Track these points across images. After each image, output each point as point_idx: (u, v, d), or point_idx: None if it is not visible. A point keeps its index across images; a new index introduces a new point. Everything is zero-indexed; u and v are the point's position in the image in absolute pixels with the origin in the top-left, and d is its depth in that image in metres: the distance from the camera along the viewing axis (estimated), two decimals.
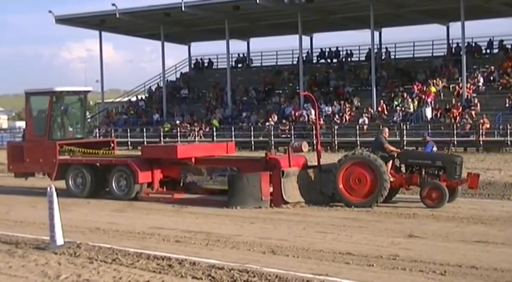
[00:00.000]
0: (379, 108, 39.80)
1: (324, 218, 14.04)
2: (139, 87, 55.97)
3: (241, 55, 53.65)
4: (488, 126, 34.49)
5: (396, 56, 47.85)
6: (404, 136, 34.90)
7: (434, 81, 40.52)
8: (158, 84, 53.64)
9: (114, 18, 45.82)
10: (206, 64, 55.06)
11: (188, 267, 9.49)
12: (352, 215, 14.47)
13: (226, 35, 45.82)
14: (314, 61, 50.56)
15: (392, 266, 9.45)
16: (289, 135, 38.75)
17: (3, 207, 16.85)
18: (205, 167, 17.52)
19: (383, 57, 47.33)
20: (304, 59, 47.27)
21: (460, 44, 41.80)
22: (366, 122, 38.59)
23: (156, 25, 47.61)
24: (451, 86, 40.14)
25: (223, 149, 18.76)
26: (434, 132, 35.16)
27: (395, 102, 39.87)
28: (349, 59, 49.14)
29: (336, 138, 37.02)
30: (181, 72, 55.39)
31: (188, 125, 44.07)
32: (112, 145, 20.81)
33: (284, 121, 41.12)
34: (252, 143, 39.17)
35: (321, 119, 37.98)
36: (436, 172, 15.59)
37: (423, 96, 39.10)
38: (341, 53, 49.20)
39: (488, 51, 43.97)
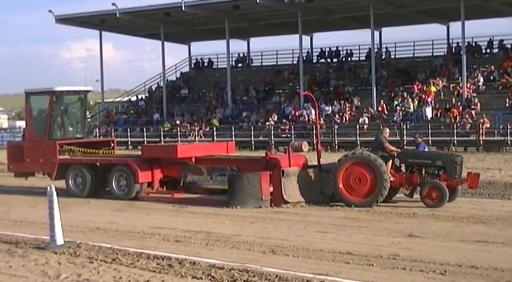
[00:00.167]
0: (379, 108, 39.80)
1: (324, 218, 14.04)
2: (140, 87, 56.05)
3: (241, 55, 53.65)
4: (488, 125, 34.49)
5: (396, 56, 47.84)
6: (405, 136, 34.87)
7: (435, 80, 40.51)
8: (158, 84, 53.65)
9: (114, 17, 45.81)
10: (206, 64, 55.06)
11: (188, 267, 9.49)
12: (352, 214, 14.48)
13: (226, 34, 45.81)
14: (314, 61, 50.55)
15: (393, 265, 9.45)
16: (289, 135, 38.75)
17: (4, 206, 16.85)
18: (205, 166, 17.53)
19: (383, 57, 47.32)
20: (304, 58, 47.27)
21: (460, 44, 41.78)
22: (366, 121, 38.59)
23: (156, 25, 47.60)
24: (451, 86, 40.14)
25: (223, 149, 18.76)
26: (434, 131, 35.23)
27: (396, 102, 39.87)
28: (349, 59, 49.13)
29: (336, 137, 37.02)
30: (181, 72, 55.43)
31: (188, 125, 44.07)
32: (112, 145, 20.81)
33: (284, 121, 41.12)
34: (252, 142, 39.18)
35: (321, 119, 37.97)
36: (436, 172, 15.59)
37: (423, 96, 39.09)
38: (341, 52, 49.19)
39: (488, 50, 43.97)
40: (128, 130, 45.83)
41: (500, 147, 33.26)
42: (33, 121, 20.49)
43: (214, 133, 41.44)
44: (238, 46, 54.09)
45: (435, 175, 15.55)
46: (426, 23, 48.20)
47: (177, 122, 45.05)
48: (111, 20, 46.93)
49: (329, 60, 49.75)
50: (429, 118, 37.53)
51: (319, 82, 46.03)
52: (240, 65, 53.39)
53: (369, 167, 15.40)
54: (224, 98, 47.54)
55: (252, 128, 40.59)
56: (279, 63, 51.98)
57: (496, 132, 34.59)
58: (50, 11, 46.91)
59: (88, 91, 21.27)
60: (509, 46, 42.90)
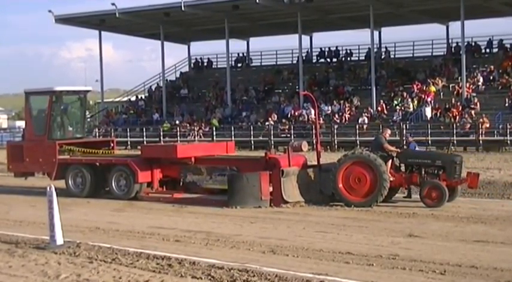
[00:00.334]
0: (379, 108, 39.81)
1: (324, 218, 14.04)
2: (139, 87, 56.04)
3: (240, 54, 53.64)
4: (488, 125, 34.51)
5: (396, 56, 47.84)
6: (404, 136, 34.86)
7: (434, 80, 40.52)
8: (158, 84, 53.65)
9: (113, 17, 45.80)
10: (206, 64, 55.05)
11: (188, 266, 9.49)
12: (352, 214, 14.48)
13: (226, 34, 45.81)
14: (314, 61, 50.55)
15: (392, 265, 9.45)
16: (288, 135, 38.76)
17: (3, 206, 16.86)
18: (205, 166, 17.52)
19: (383, 57, 47.30)
20: (304, 58, 47.27)
21: (459, 44, 41.79)
22: (366, 121, 38.60)
23: (155, 25, 47.61)
24: (450, 86, 40.15)
25: (223, 149, 18.75)
26: (434, 131, 35.25)
27: (395, 102, 39.88)
28: (348, 59, 49.12)
29: (335, 137, 37.04)
30: (181, 72, 55.41)
31: (188, 125, 44.07)
32: (112, 145, 20.80)
33: (284, 121, 41.12)
34: (252, 142, 39.19)
35: (321, 119, 37.98)
36: (435, 171, 15.58)
37: (423, 96, 39.10)
38: (341, 52, 49.18)
39: (487, 50, 43.97)
40: (128, 130, 45.83)
41: (499, 147, 33.28)
42: (33, 121, 20.48)
43: (214, 133, 41.44)
44: (237, 46, 54.19)
45: (435, 175, 15.55)
46: (426, 23, 48.21)
47: (177, 121, 45.05)
48: (110, 20, 46.92)
49: (328, 60, 49.74)
50: (429, 118, 37.54)
51: (319, 82, 46.03)
52: (239, 64, 53.37)
53: (369, 166, 15.40)
54: (224, 98, 47.55)
55: (252, 128, 40.59)
56: (278, 63, 51.98)
57: (495, 132, 34.62)
58: (49, 11, 46.97)
59: (88, 91, 21.27)
60: (508, 46, 42.90)
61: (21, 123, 68.53)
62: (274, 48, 52.80)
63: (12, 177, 21.33)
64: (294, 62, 49.23)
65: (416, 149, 18.83)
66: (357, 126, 37.39)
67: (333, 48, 49.34)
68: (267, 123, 40.97)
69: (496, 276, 8.82)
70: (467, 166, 20.70)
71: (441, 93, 39.82)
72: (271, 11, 43.75)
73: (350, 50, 49.26)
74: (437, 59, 44.59)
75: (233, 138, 36.70)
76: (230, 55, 49.10)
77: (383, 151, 15.84)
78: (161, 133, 42.90)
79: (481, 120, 34.46)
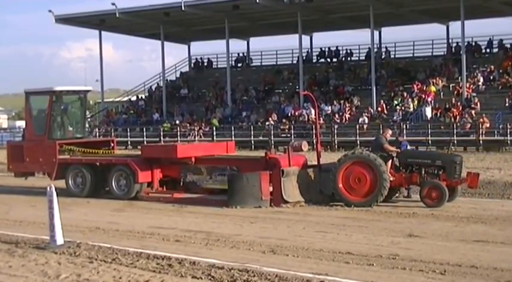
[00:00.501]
0: (379, 108, 39.81)
1: (324, 218, 14.05)
2: (139, 87, 56.05)
3: (241, 54, 53.64)
4: (488, 125, 34.51)
5: (396, 56, 47.85)
6: (404, 135, 34.86)
7: (434, 80, 40.52)
8: (158, 84, 53.67)
9: (114, 17, 45.81)
10: (206, 63, 55.06)
11: (188, 266, 9.49)
12: (352, 214, 14.47)
13: (226, 34, 45.82)
14: (314, 60, 50.55)
15: (392, 265, 9.45)
16: (289, 135, 38.77)
17: (3, 206, 16.86)
18: (205, 166, 17.52)
19: (383, 57, 47.32)
20: (304, 58, 47.27)
21: (459, 44, 41.80)
22: (366, 121, 38.60)
23: (156, 25, 47.61)
24: (450, 86, 40.15)
25: (223, 149, 18.76)
26: (434, 131, 35.25)
27: (395, 102, 39.88)
28: (348, 59, 49.13)
29: (335, 137, 37.05)
30: (181, 72, 55.43)
31: (188, 125, 44.08)
32: (112, 145, 20.80)
33: (284, 120, 41.13)
34: (252, 142, 39.21)
35: (321, 119, 37.99)
36: (435, 171, 15.58)
37: (423, 96, 39.10)
38: (341, 52, 49.19)
39: (488, 50, 43.97)
40: (128, 130, 45.85)
41: (500, 147, 33.29)
42: (33, 121, 20.48)
43: (214, 133, 41.47)
44: (237, 46, 54.20)
45: (435, 175, 15.54)
46: (426, 23, 48.22)
47: (177, 121, 45.07)
48: (110, 20, 46.92)
49: (329, 60, 49.75)
50: (429, 118, 37.54)
51: (319, 82, 46.04)
52: (239, 64, 53.37)
53: (369, 166, 15.40)
54: (224, 98, 47.55)
55: (252, 128, 40.61)
56: (278, 63, 51.99)
57: (495, 131, 34.63)
58: (49, 11, 46.99)
59: (88, 91, 21.27)
60: (508, 46, 42.90)
61: (21, 123, 68.50)
62: (275, 48, 52.95)
63: (13, 177, 21.33)
64: (294, 62, 49.23)
65: (408, 148, 18.82)
66: (357, 126, 37.40)
67: (333, 48, 49.35)
68: (267, 123, 40.98)
69: (496, 276, 8.82)
70: (467, 166, 20.70)
71: (441, 93, 39.82)
72: (271, 11, 43.75)
73: (350, 49, 49.29)
74: (438, 59, 44.59)
75: (233, 138, 36.72)
76: (230, 55, 49.13)
77: (383, 151, 15.83)
78: (161, 133, 42.91)
79: (481, 120, 34.46)
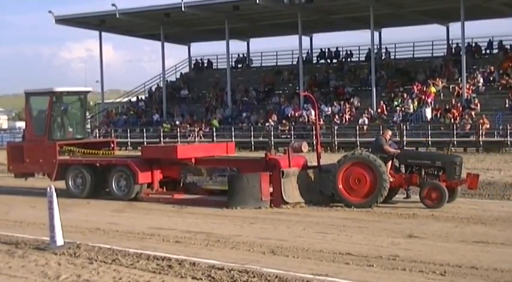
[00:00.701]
0: (379, 109, 39.81)
1: (324, 218, 14.04)
2: (139, 88, 56.07)
3: (241, 55, 53.68)
4: (488, 126, 34.52)
5: (396, 56, 47.87)
6: (404, 136, 34.94)
7: (434, 81, 40.54)
8: (158, 85, 53.69)
9: (114, 18, 45.83)
10: (206, 64, 55.08)
11: (188, 267, 9.49)
12: (352, 215, 14.47)
13: (226, 35, 45.84)
14: (314, 61, 50.57)
15: (392, 266, 9.45)
16: (289, 136, 38.78)
17: (3, 207, 16.85)
18: (205, 167, 17.51)
19: (383, 58, 47.34)
20: (304, 59, 47.28)
21: (459, 44, 41.82)
22: (366, 122, 38.61)
23: (156, 25, 47.63)
24: (450, 86, 40.15)
25: (223, 149, 18.75)
26: (434, 132, 35.26)
27: (395, 103, 39.89)
28: (349, 59, 49.16)
29: (335, 138, 37.07)
30: (181, 73, 55.44)
31: (188, 125, 44.09)
32: (112, 145, 20.80)
33: (284, 121, 41.13)
34: (252, 143, 39.21)
35: (321, 119, 38.00)
36: (435, 172, 15.58)
37: (423, 97, 39.11)
38: (341, 53, 49.22)
39: (488, 51, 43.99)
40: (128, 131, 45.88)
41: (500, 148, 33.31)
42: (33, 121, 20.47)
43: (214, 134, 41.49)
44: (238, 47, 54.24)
45: (435, 176, 15.53)
46: (426, 24, 48.24)
47: (177, 122, 45.08)
48: (111, 20, 46.95)
49: (329, 60, 49.76)
50: (429, 119, 37.56)
51: (319, 83, 46.05)
52: (239, 65, 53.41)
53: (368, 167, 15.39)
54: (224, 99, 47.56)
55: (252, 129, 40.62)
56: (278, 63, 52.01)
57: (495, 132, 34.64)
58: (50, 12, 47.03)
59: (88, 92, 21.26)
60: (508, 47, 42.94)
61: (21, 124, 68.58)
62: (275, 48, 52.95)
63: (12, 177, 21.32)
64: (294, 62, 49.25)
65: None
66: (357, 127, 37.40)
67: (333, 49, 49.39)
68: (267, 124, 40.99)
69: (496, 277, 8.82)
70: (467, 167, 20.71)
71: (441, 94, 39.83)
72: (271, 12, 43.77)
73: (350, 50, 49.33)
74: (438, 59, 44.61)
75: (233, 139, 36.76)
76: (230, 56, 49.14)
77: (383, 152, 15.83)
78: (161, 134, 42.92)
79: (481, 121, 34.47)
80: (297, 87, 44.70)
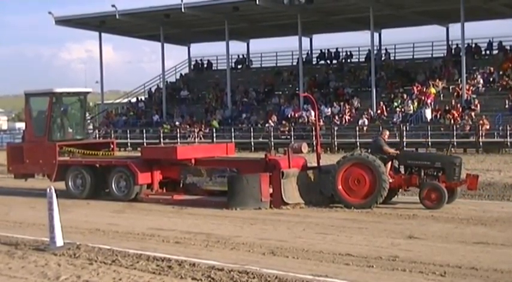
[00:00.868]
0: (379, 110, 39.80)
1: (324, 219, 14.04)
2: (139, 88, 56.04)
3: (241, 56, 53.65)
4: (488, 127, 34.51)
5: (396, 57, 47.84)
6: (404, 137, 34.94)
7: (434, 82, 40.53)
8: (158, 85, 53.68)
9: (113, 19, 45.83)
10: (206, 65, 55.06)
11: (188, 268, 9.49)
12: (352, 216, 14.48)
13: (226, 36, 45.84)
14: (314, 62, 50.54)
15: (392, 267, 9.45)
16: (289, 136, 38.75)
17: (3, 208, 16.85)
18: (205, 168, 17.51)
19: (383, 58, 47.32)
20: (304, 60, 47.27)
21: (459, 45, 41.83)
22: (366, 123, 38.60)
23: (156, 26, 47.62)
24: (450, 87, 40.15)
25: (223, 150, 18.75)
26: (434, 133, 35.25)
27: (395, 103, 39.89)
28: (348, 60, 49.15)
29: (335, 139, 37.06)
30: (181, 73, 55.41)
31: (188, 126, 44.08)
32: (112, 146, 20.80)
33: (284, 122, 41.11)
34: (252, 144, 39.19)
35: (321, 120, 37.98)
36: (435, 173, 15.58)
37: (423, 97, 39.10)
38: (341, 54, 49.20)
39: (487, 52, 44.00)
40: (128, 131, 45.85)
41: (499, 149, 33.30)
42: (33, 122, 20.47)
43: (214, 134, 41.48)
44: (237, 47, 54.25)
45: (434, 176, 15.54)
46: (426, 25, 48.21)
47: (177, 123, 45.07)
48: (110, 21, 46.94)
49: (329, 61, 49.74)
50: (429, 119, 37.54)
51: (319, 83, 46.04)
52: (239, 66, 53.40)
53: (368, 168, 15.39)
54: (224, 99, 47.56)
55: (252, 129, 40.59)
56: (278, 64, 51.99)
57: (495, 133, 34.63)
58: (49, 13, 46.99)
59: (88, 92, 21.26)
60: (508, 47, 42.93)
61: (21, 125, 68.61)
62: (274, 49, 52.90)
63: (12, 178, 21.31)
64: (294, 63, 49.24)
65: None
66: (357, 128, 37.39)
67: (333, 50, 49.37)
68: (267, 124, 40.98)
69: (496, 277, 8.82)
70: (467, 168, 20.70)
71: (441, 95, 39.82)
72: (271, 13, 43.77)
73: (350, 51, 49.30)
74: (437, 60, 44.60)
75: (233, 140, 36.73)
76: (230, 56, 49.11)
77: (383, 153, 15.83)
78: (161, 134, 42.91)
79: (481, 121, 34.45)
80: (297, 88, 44.69)
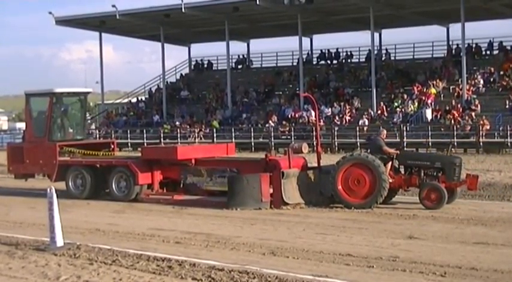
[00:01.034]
0: (379, 110, 39.80)
1: (324, 219, 14.04)
2: (140, 89, 56.04)
3: (241, 56, 53.65)
4: (488, 127, 34.49)
5: (396, 57, 47.83)
6: (404, 137, 34.93)
7: (434, 82, 40.52)
8: (158, 86, 53.68)
9: (114, 19, 45.82)
10: (206, 65, 55.07)
11: (188, 268, 9.50)
12: (352, 216, 14.48)
13: (226, 36, 45.84)
14: (314, 62, 50.54)
15: (392, 267, 9.45)
16: (289, 137, 38.75)
17: (3, 208, 16.86)
18: (205, 168, 17.52)
19: (383, 59, 47.32)
20: (304, 60, 47.26)
21: (460, 45, 41.82)
22: (366, 123, 38.59)
23: (156, 26, 47.62)
24: (451, 87, 40.13)
25: (223, 150, 18.76)
26: (434, 133, 35.23)
27: (395, 104, 39.88)
28: (349, 60, 49.13)
29: (336, 139, 37.05)
30: (181, 74, 55.42)
31: (188, 126, 44.08)
32: (112, 146, 20.80)
33: (284, 122, 41.11)
34: (252, 144, 39.18)
35: (321, 120, 37.98)
36: (435, 173, 15.58)
37: (423, 98, 39.10)
38: (341, 54, 49.19)
39: (488, 52, 43.99)
40: (128, 132, 45.85)
41: (500, 149, 33.29)
42: (33, 122, 20.48)
43: (214, 134, 41.47)
44: (238, 47, 54.20)
45: (434, 177, 15.54)
46: (426, 25, 48.21)
47: (177, 123, 45.08)
48: (111, 21, 46.94)
49: (329, 61, 49.73)
50: (429, 120, 37.53)
51: (319, 83, 46.04)
52: (239, 66, 53.41)
53: (367, 168, 15.40)
54: (224, 100, 47.56)
55: (252, 130, 40.59)
56: (278, 64, 51.98)
57: (495, 133, 34.61)
58: (50, 13, 46.98)
59: (88, 92, 21.26)
60: (509, 48, 42.92)
61: (21, 125, 68.60)
62: (275, 49, 52.89)
63: (12, 178, 21.32)
64: (294, 63, 49.24)
65: None
66: (357, 128, 37.38)
67: (333, 50, 49.36)
68: (267, 124, 40.96)
69: (496, 278, 8.83)
70: (467, 168, 20.72)
71: (441, 95, 39.81)
72: (271, 13, 43.77)
73: (350, 51, 49.29)
74: (438, 60, 44.58)
75: (233, 140, 36.71)
76: (230, 57, 49.12)
77: (383, 153, 15.83)
78: (161, 135, 42.91)
79: (481, 122, 34.44)
80: (297, 88, 44.68)
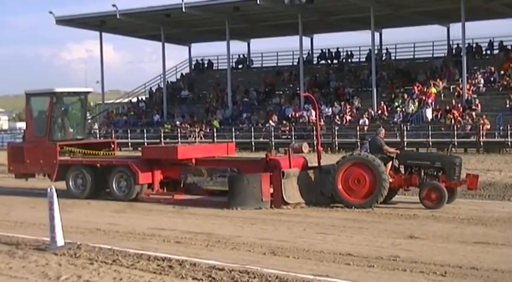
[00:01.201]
0: (380, 109, 39.80)
1: (324, 219, 14.04)
2: (140, 88, 56.05)
3: (241, 56, 53.66)
4: (488, 127, 34.50)
5: (396, 57, 47.85)
6: (405, 137, 34.93)
7: (435, 82, 40.52)
8: (159, 85, 53.68)
9: (114, 19, 45.84)
10: (206, 65, 55.07)
11: (188, 268, 9.50)
12: (353, 215, 14.48)
13: (226, 35, 45.84)
14: (314, 62, 50.56)
15: (393, 267, 9.45)
16: (289, 136, 38.76)
17: (4, 208, 16.86)
18: (205, 168, 17.52)
19: (383, 58, 47.34)
20: (305, 59, 47.27)
21: (460, 45, 41.82)
22: (366, 123, 38.59)
23: (156, 26, 47.63)
24: (451, 87, 40.14)
25: (223, 150, 18.76)
26: (434, 133, 35.23)
27: (396, 103, 39.88)
28: (349, 60, 49.13)
29: (336, 139, 37.05)
30: (181, 73, 55.43)
31: (188, 126, 44.09)
32: (112, 146, 20.80)
33: (284, 122, 41.12)
34: (253, 144, 39.18)
35: (321, 120, 37.96)
36: (435, 173, 15.58)
37: (423, 97, 39.10)
38: (341, 53, 49.20)
39: (488, 52, 43.99)
40: (128, 131, 45.86)
41: (500, 149, 33.28)
42: (34, 122, 20.47)
43: (215, 134, 41.47)
44: (238, 47, 54.22)
45: (434, 176, 15.54)
46: (426, 24, 48.19)
47: (177, 123, 45.08)
48: (111, 21, 46.95)
49: (329, 61, 49.74)
50: (429, 119, 37.54)
51: (320, 83, 46.04)
52: (240, 66, 53.41)
53: (368, 167, 15.40)
54: (224, 99, 47.57)
55: (252, 129, 40.60)
56: (279, 64, 51.99)
57: (496, 133, 34.61)
58: (50, 13, 46.99)
59: (88, 92, 21.26)
60: (509, 47, 42.93)
61: (21, 125, 68.61)
62: (275, 49, 52.91)
63: (13, 178, 21.32)
64: (295, 63, 49.24)
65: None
66: (358, 128, 37.38)
67: (334, 50, 49.36)
68: (267, 124, 40.97)
69: (496, 277, 8.83)
70: (468, 168, 20.72)
71: (442, 95, 39.82)
72: (272, 13, 43.77)
73: (351, 51, 49.31)
74: (438, 60, 44.59)
75: (234, 140, 36.71)
76: (231, 56, 49.13)
77: (383, 153, 15.83)
78: (162, 134, 42.91)
79: (481, 121, 34.45)
80: (298, 88, 44.69)
